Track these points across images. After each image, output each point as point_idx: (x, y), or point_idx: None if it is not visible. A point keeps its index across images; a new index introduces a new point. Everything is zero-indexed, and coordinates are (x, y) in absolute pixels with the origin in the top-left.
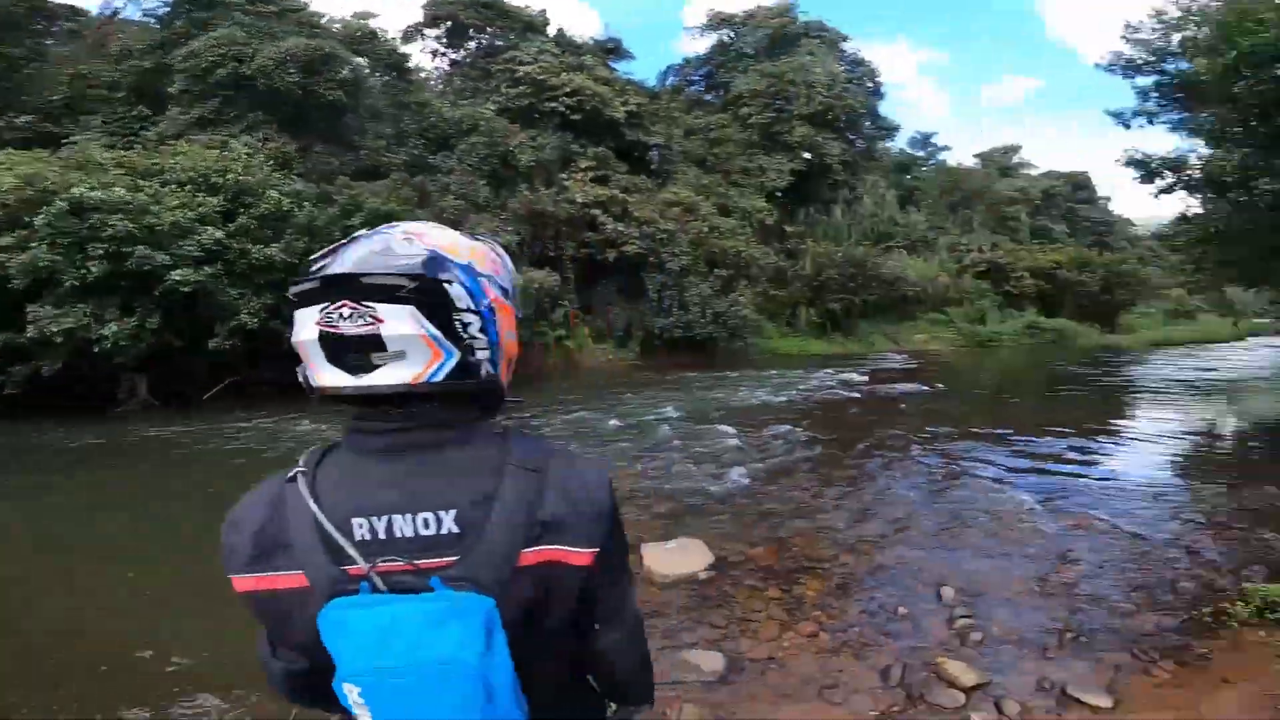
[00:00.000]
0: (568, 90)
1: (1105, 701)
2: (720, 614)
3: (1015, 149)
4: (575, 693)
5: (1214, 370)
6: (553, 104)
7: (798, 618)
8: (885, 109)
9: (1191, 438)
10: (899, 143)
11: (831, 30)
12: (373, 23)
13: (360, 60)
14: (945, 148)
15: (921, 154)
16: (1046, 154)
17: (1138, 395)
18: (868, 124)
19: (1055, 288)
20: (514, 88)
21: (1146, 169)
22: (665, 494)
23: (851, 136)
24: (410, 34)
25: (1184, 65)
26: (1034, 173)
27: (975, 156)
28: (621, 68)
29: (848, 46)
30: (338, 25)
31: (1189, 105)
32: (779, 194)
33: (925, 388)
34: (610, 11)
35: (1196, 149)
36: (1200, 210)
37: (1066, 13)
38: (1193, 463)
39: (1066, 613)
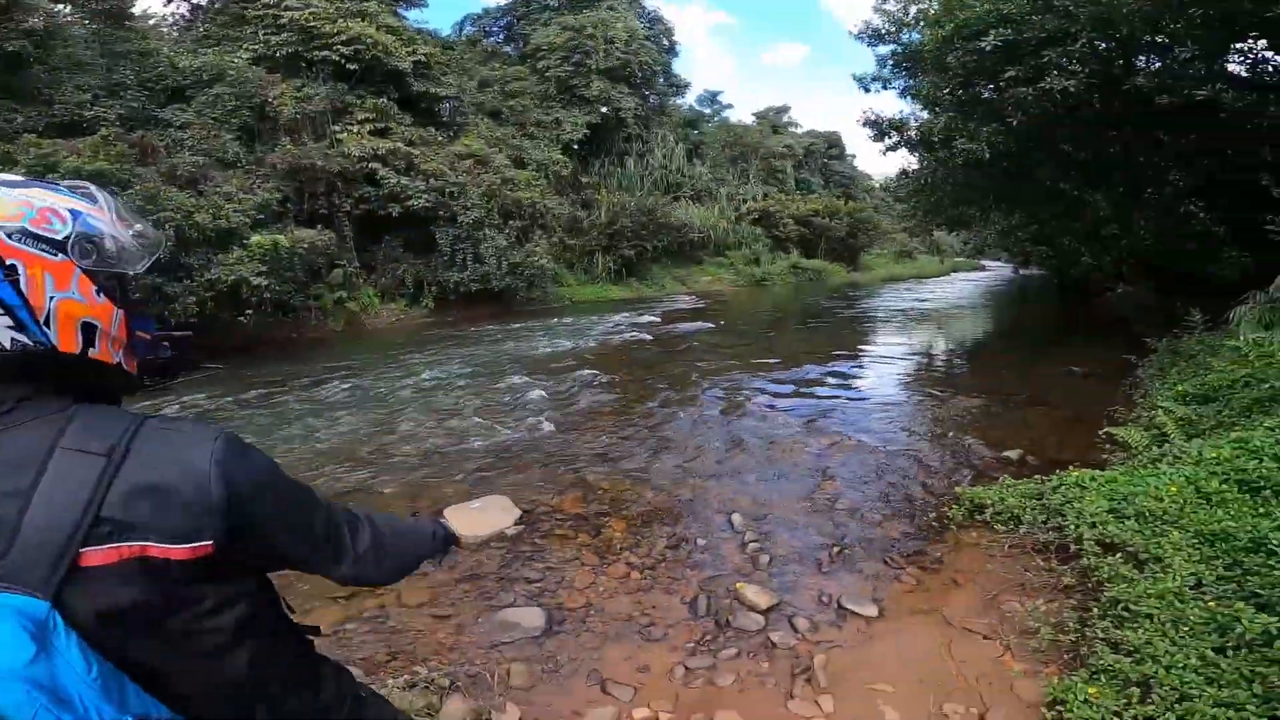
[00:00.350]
0: (343, 39)
1: (872, 611)
2: (534, 568)
3: (785, 109)
4: (294, 675)
5: (928, 301)
6: (325, 53)
7: (608, 561)
8: (678, 67)
9: (914, 358)
10: (689, 100)
11: None
12: None
13: (60, 6)
14: (729, 106)
15: (708, 111)
16: (810, 114)
17: (875, 324)
18: (661, 80)
19: (812, 233)
20: (276, 35)
21: (878, 129)
22: (466, 453)
23: (646, 92)
24: None
25: (915, 36)
26: (799, 131)
27: (753, 115)
28: (413, 16)
29: (647, 3)
30: None
31: (914, 73)
32: (575, 146)
33: (709, 325)
34: None
35: (915, 112)
36: (916, 166)
37: None
38: (915, 379)
39: (833, 527)
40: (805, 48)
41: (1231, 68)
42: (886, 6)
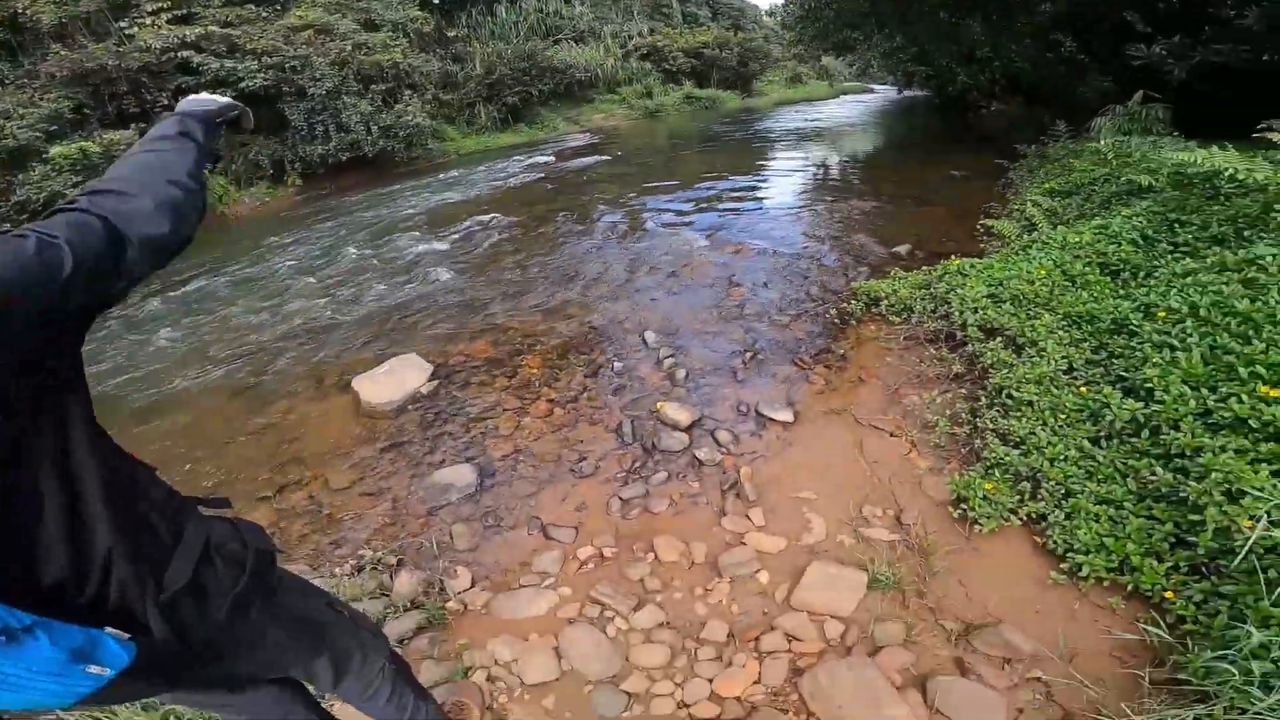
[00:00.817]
0: None
1: (788, 416)
2: (457, 423)
3: None
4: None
5: (819, 120)
6: None
7: (529, 401)
8: None
9: (809, 170)
10: None
11: None
12: None
13: None
14: None
15: None
16: None
17: (770, 143)
18: None
19: (704, 64)
20: None
21: None
22: (366, 320)
23: None
24: None
25: None
26: None
27: None
28: None
29: None
30: None
31: None
32: (435, 1)
33: (605, 157)
34: None
35: None
36: None
37: None
38: (811, 189)
39: (743, 333)
40: None
41: None
42: None
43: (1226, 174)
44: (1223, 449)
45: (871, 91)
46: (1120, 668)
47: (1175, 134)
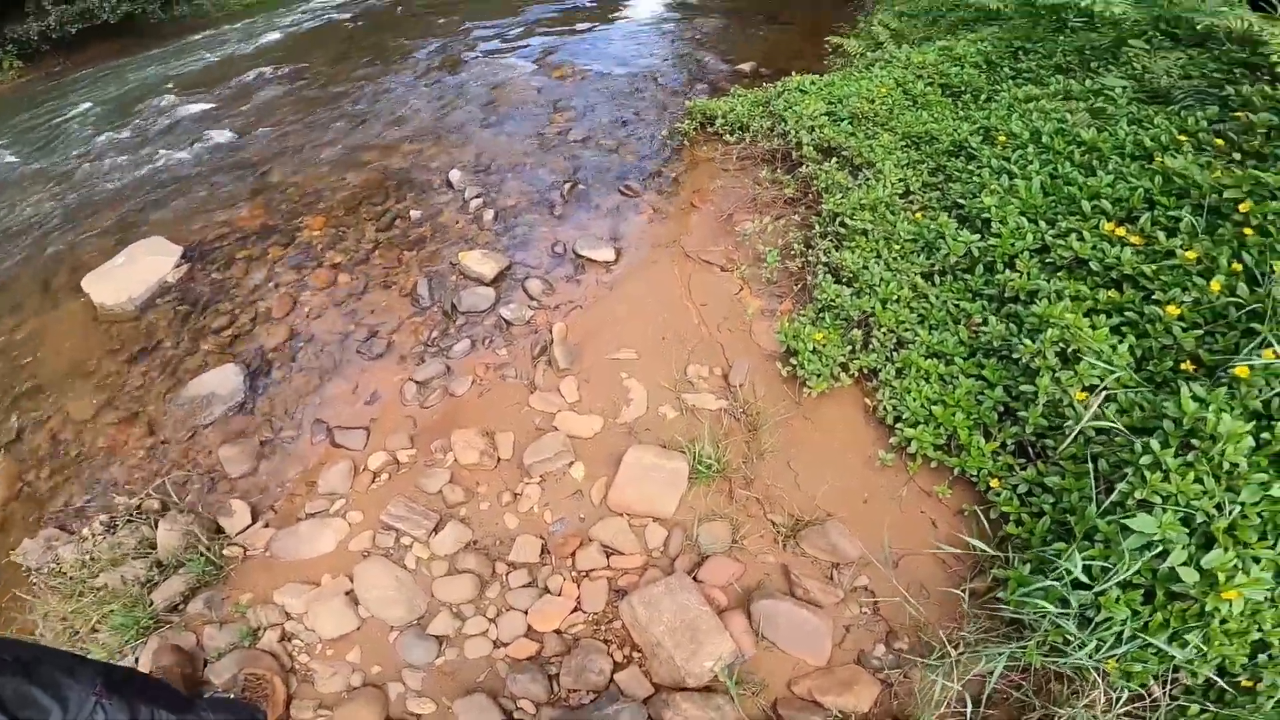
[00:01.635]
0: None
1: (610, 255)
2: (219, 311)
3: None
4: None
5: None
6: None
7: (309, 270)
8: None
9: None
10: None
11: None
12: None
13: None
14: None
15: None
16: None
17: None
18: None
19: None
20: None
21: None
22: (107, 199)
23: None
24: None
25: None
26: None
27: None
28: None
29: None
30: None
31: None
32: None
33: None
34: None
35: None
36: None
37: None
38: (659, 6)
39: (565, 162)
40: None
41: None
42: None
43: (1078, 5)
44: (1059, 295)
45: None
46: (945, 576)
47: None
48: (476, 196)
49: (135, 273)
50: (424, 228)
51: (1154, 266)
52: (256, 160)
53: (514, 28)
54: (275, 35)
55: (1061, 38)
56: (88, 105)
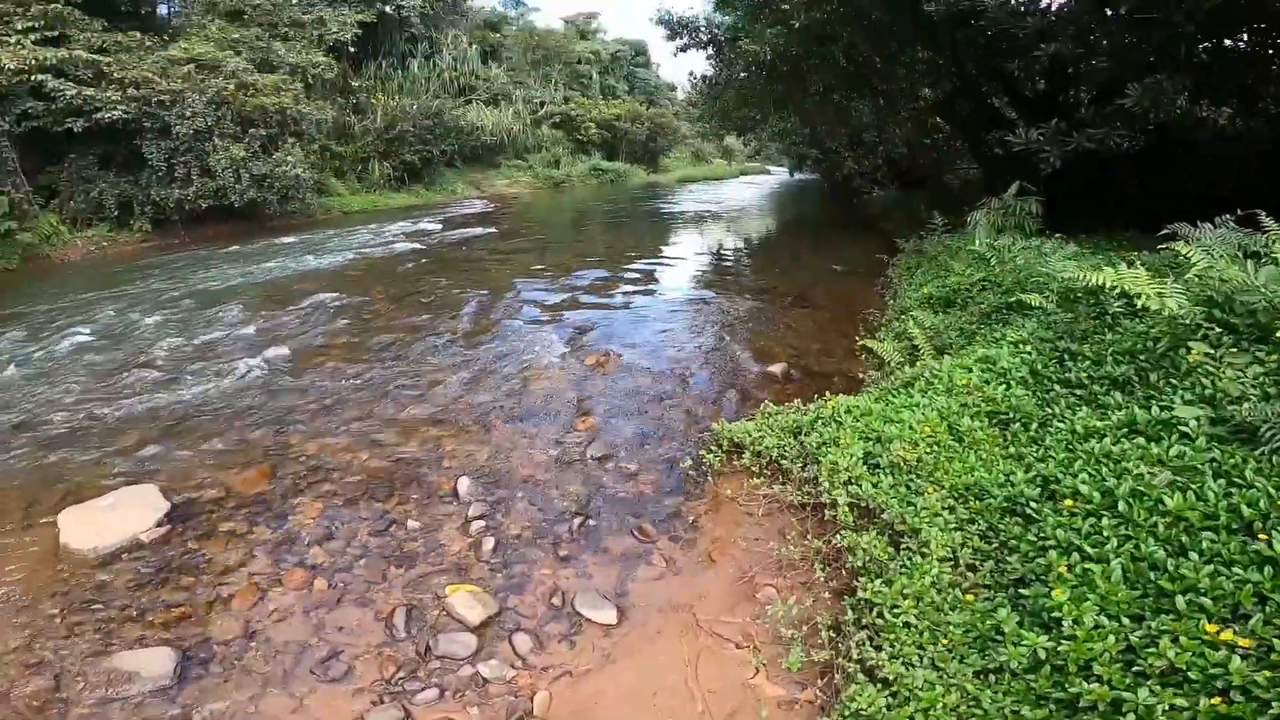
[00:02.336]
0: None
1: (612, 616)
2: (180, 585)
3: (595, 15)
4: None
5: (718, 201)
6: None
7: (288, 563)
8: None
9: (696, 258)
10: (492, 2)
11: None
12: None
13: None
14: (535, 9)
15: (514, 14)
16: (619, 22)
17: (666, 224)
18: None
19: (614, 136)
20: None
21: (670, 28)
22: (131, 420)
23: None
24: None
25: None
26: (607, 39)
27: (562, 20)
28: None
29: None
30: None
31: None
32: (350, 46)
33: (494, 229)
34: None
35: (708, 13)
36: (708, 71)
37: None
38: (694, 281)
39: (581, 483)
40: None
41: None
42: None
43: (1112, 290)
44: (1150, 711)
45: (768, 173)
46: None
47: (1055, 234)
48: (480, 517)
49: (115, 520)
50: (419, 542)
51: (1271, 674)
52: (282, 412)
53: (559, 292)
54: (352, 256)
55: (1109, 335)
56: (177, 293)
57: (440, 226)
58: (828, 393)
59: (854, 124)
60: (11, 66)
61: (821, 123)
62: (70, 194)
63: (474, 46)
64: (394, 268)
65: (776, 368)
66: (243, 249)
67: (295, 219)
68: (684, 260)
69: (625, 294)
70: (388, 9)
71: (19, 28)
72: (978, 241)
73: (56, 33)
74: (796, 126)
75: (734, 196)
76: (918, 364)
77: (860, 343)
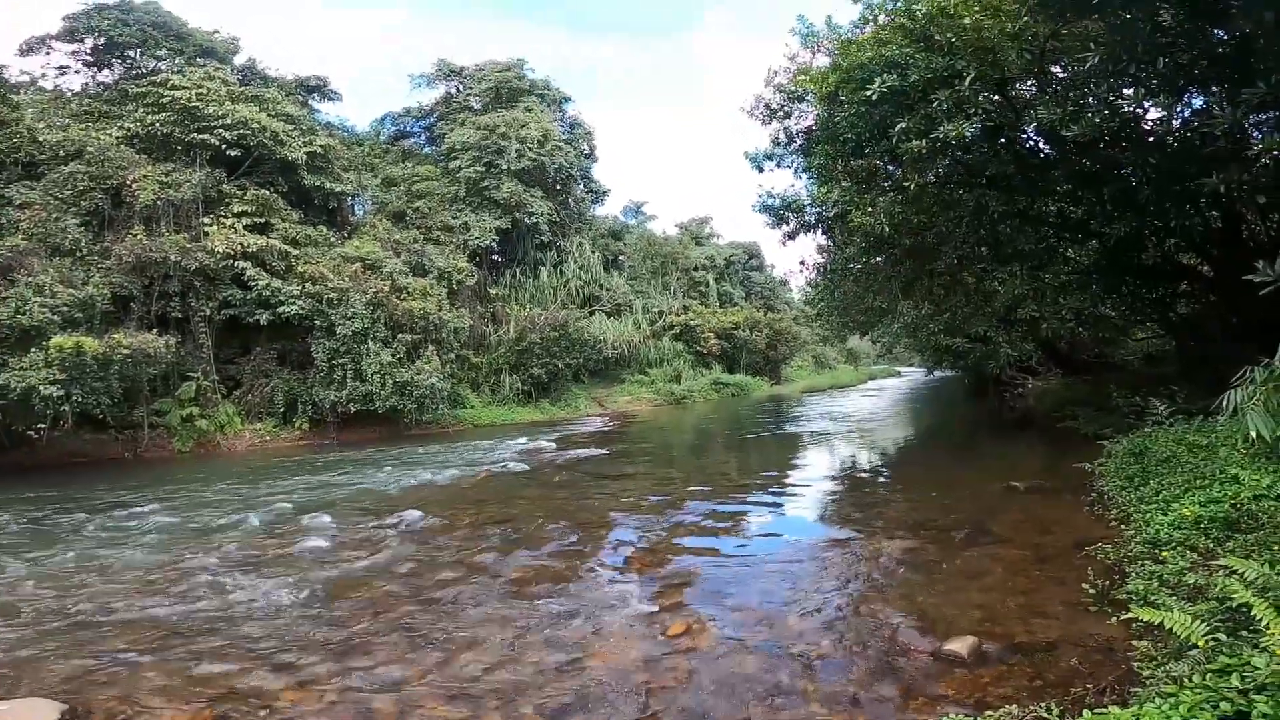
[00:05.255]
0: (227, 122)
1: None
2: None
3: (708, 220)
4: None
5: (846, 411)
6: (204, 135)
7: None
8: (612, 179)
9: (825, 483)
10: (612, 209)
11: (554, 90)
12: None
13: None
14: (653, 217)
15: (633, 222)
16: (730, 225)
17: (790, 440)
18: (580, 187)
19: (734, 346)
20: (156, 114)
21: (773, 213)
22: (136, 623)
23: (563, 197)
24: (33, 45)
25: (807, 108)
26: (721, 242)
27: (677, 225)
28: (329, 111)
29: (569, 109)
30: None
31: (808, 148)
32: (490, 253)
33: (606, 451)
34: (362, 56)
35: (810, 189)
36: (817, 258)
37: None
38: (824, 514)
39: None
40: (727, 162)
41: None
42: (779, 79)
43: None
44: None
45: (899, 375)
46: None
47: None
48: None
49: None
50: None
51: None
52: (285, 643)
53: (658, 530)
54: (456, 474)
55: None
56: (282, 497)
57: (554, 445)
58: (1068, 689)
59: (1001, 301)
60: (221, 250)
61: (958, 305)
62: (250, 387)
63: (597, 255)
64: (489, 489)
65: (959, 643)
66: (376, 455)
67: (430, 428)
68: (813, 486)
69: (737, 534)
70: (518, 215)
71: (235, 210)
72: (1254, 430)
73: (263, 220)
74: (930, 314)
75: (864, 404)
76: (1261, 651)
77: (1126, 616)
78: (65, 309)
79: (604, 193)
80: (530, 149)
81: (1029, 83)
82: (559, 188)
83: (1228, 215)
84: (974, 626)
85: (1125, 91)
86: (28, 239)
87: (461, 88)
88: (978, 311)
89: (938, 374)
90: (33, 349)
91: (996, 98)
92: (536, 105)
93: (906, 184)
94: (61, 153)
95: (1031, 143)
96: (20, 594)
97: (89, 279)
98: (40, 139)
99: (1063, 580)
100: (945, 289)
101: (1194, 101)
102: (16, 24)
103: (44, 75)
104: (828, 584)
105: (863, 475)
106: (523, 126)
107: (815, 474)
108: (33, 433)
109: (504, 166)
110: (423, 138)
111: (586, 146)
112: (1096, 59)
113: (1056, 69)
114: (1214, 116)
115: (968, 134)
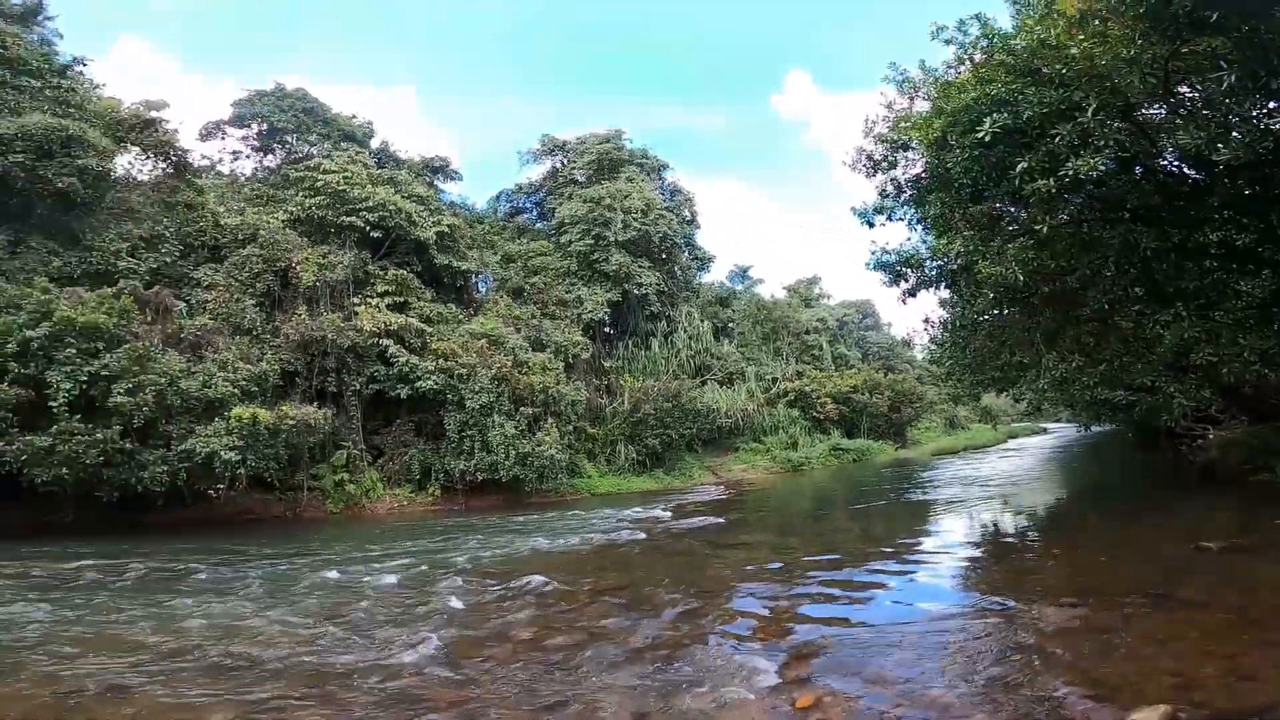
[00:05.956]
0: (370, 204)
1: None
2: None
3: (816, 280)
4: None
5: (985, 473)
6: (351, 218)
7: None
8: (710, 243)
9: (969, 549)
10: (718, 276)
11: (652, 158)
12: (167, 113)
13: (130, 148)
14: (759, 280)
15: (740, 287)
16: (841, 285)
17: (923, 506)
18: (685, 255)
19: (852, 410)
20: (312, 197)
21: (890, 270)
22: (246, 674)
23: (670, 266)
24: (210, 131)
25: (914, 156)
26: (831, 302)
27: (784, 288)
28: (451, 190)
29: (668, 176)
30: (107, 107)
31: (920, 198)
32: (600, 326)
33: (722, 519)
34: (473, 137)
35: (928, 241)
36: (941, 313)
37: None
38: (970, 581)
39: None
40: (829, 219)
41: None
42: (879, 129)
43: None
44: None
45: (1045, 431)
46: None
47: None
48: None
49: None
50: None
51: None
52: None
53: (781, 599)
54: (576, 540)
55: None
56: (412, 559)
57: (670, 514)
58: None
59: (1168, 346)
60: (369, 328)
61: (1114, 354)
62: (391, 456)
63: (706, 323)
64: (605, 558)
65: (1148, 713)
66: (501, 521)
67: (549, 496)
68: (950, 553)
69: (866, 603)
70: (627, 286)
71: (379, 290)
72: None
73: (402, 299)
74: (1081, 366)
75: (1006, 464)
76: None
77: None
78: (244, 383)
79: (709, 259)
80: (635, 219)
81: (1159, 107)
82: (664, 256)
83: None
84: (1165, 695)
85: (1270, 105)
86: (213, 318)
87: (566, 161)
88: (1139, 359)
89: (1094, 429)
90: (216, 419)
91: (1125, 125)
92: (637, 175)
93: (1037, 227)
94: (240, 236)
95: (1175, 170)
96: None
97: (263, 356)
98: (222, 223)
99: (1274, 642)
100: (1096, 337)
101: None
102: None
103: (221, 160)
104: (976, 655)
105: (1009, 540)
106: (626, 197)
107: (952, 540)
108: (212, 492)
109: (611, 238)
110: (534, 213)
111: (688, 213)
112: (1233, 76)
113: (1185, 89)
114: None
115: (1100, 167)
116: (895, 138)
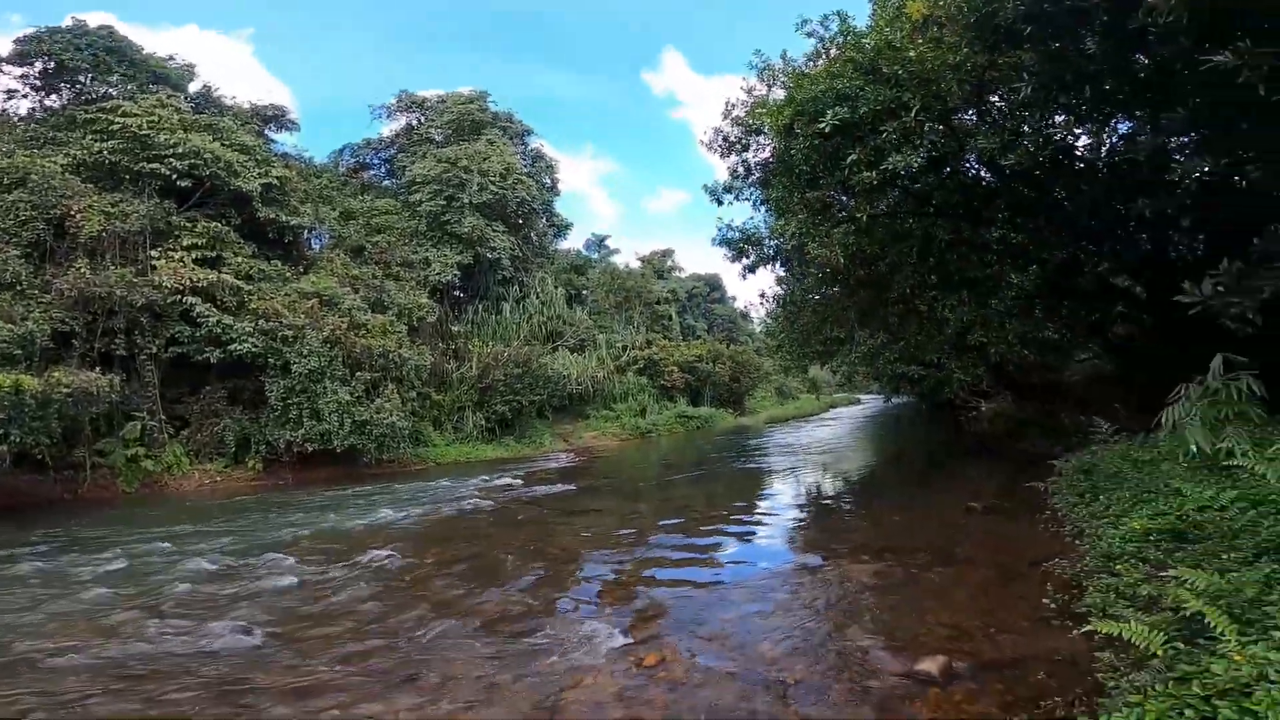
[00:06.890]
0: (179, 150)
1: None
2: None
3: (670, 253)
4: None
5: (809, 440)
6: (155, 165)
7: None
8: (575, 214)
9: (789, 511)
10: (575, 244)
11: (517, 122)
12: None
13: None
14: (615, 251)
15: (596, 256)
16: (692, 258)
17: (756, 470)
18: (543, 221)
19: (697, 378)
20: (104, 141)
21: (733, 246)
22: (59, 674)
23: (526, 231)
24: None
25: (764, 141)
26: (682, 275)
27: (639, 259)
28: (287, 141)
29: (532, 141)
30: None
31: (766, 181)
32: (448, 289)
33: (572, 486)
34: (321, 90)
35: (768, 221)
36: (776, 289)
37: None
38: (791, 541)
39: None
40: (687, 195)
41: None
42: (737, 113)
43: None
44: None
45: (859, 402)
46: None
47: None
48: None
49: None
50: None
51: None
52: (229, 686)
53: (628, 564)
54: (421, 511)
55: None
56: (233, 538)
57: (521, 482)
58: (1038, 703)
59: (953, 328)
60: (170, 284)
61: (912, 333)
62: (199, 427)
63: (560, 290)
64: (453, 527)
65: (930, 663)
66: (336, 494)
67: (391, 466)
68: (780, 515)
69: (707, 564)
70: (479, 250)
71: (185, 243)
72: (1194, 445)
73: (215, 254)
74: (886, 343)
75: (826, 432)
76: (1218, 658)
77: (1086, 630)
78: (3, 345)
79: (567, 226)
80: (492, 182)
81: (971, 113)
82: (521, 222)
83: (1156, 238)
84: (944, 645)
85: (1057, 119)
86: None
87: (423, 119)
88: (931, 339)
89: (895, 400)
90: None
91: (941, 128)
92: (499, 138)
93: (859, 215)
94: (5, 180)
95: (975, 172)
96: None
97: (28, 314)
98: None
99: (1025, 596)
100: (900, 318)
101: (1120, 128)
102: None
103: None
104: (799, 610)
105: (827, 502)
106: (485, 159)
107: (781, 503)
108: None
109: (465, 200)
110: (383, 170)
111: (549, 180)
112: (1030, 88)
113: (995, 99)
114: (1137, 142)
115: (914, 164)
116: (750, 122)
